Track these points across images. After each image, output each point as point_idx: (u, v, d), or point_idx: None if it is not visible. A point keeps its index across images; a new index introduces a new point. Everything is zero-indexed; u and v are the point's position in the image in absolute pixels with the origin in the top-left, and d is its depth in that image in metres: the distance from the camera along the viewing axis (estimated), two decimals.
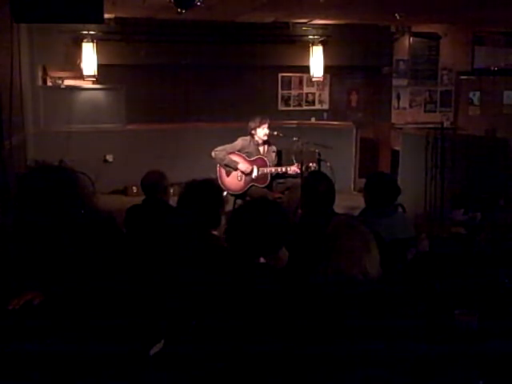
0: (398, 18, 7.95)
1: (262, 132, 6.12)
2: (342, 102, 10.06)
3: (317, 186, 3.72)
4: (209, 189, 3.14)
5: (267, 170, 6.14)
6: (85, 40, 7.93)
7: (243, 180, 6.15)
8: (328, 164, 6.25)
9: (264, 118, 6.14)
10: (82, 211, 2.46)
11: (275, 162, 6.34)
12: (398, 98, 9.77)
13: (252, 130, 6.15)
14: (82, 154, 6.98)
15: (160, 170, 4.34)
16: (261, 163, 6.16)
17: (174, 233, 3.10)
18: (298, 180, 5.92)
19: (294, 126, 8.67)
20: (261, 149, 6.24)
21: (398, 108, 9.80)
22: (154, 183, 4.20)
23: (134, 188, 7.82)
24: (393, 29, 9.35)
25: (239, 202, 6.03)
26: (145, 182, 4.24)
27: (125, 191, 8.04)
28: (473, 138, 7.53)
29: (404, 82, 9.74)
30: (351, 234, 2.19)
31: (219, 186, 3.41)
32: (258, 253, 2.37)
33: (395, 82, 9.72)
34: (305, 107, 9.77)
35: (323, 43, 9.05)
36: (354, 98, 10.09)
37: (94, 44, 7.96)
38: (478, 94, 10.14)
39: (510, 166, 6.36)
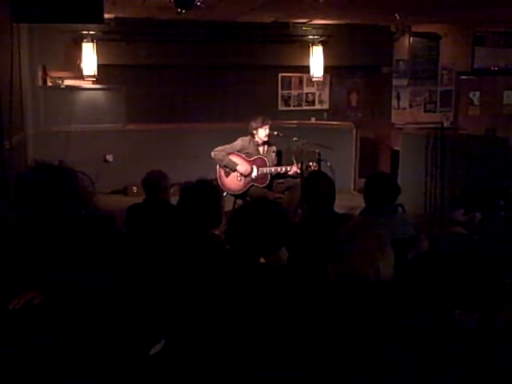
0: (397, 17, 7.95)
1: (263, 133, 6.12)
2: (342, 101, 10.06)
3: (317, 185, 3.71)
4: (204, 188, 3.14)
5: (267, 169, 6.13)
6: (85, 40, 7.93)
7: (243, 180, 6.14)
8: (328, 164, 6.25)
9: (266, 119, 6.14)
10: (82, 211, 2.47)
11: (275, 162, 6.34)
12: (398, 98, 9.78)
13: (253, 129, 6.14)
14: (82, 154, 6.98)
15: (161, 170, 4.39)
16: (260, 163, 6.15)
17: (174, 232, 3.10)
18: (298, 180, 5.92)
19: (294, 125, 8.67)
20: (260, 149, 6.23)
21: (398, 108, 9.81)
22: (154, 182, 4.24)
23: (134, 188, 7.84)
24: (393, 29, 9.33)
25: (239, 202, 6.02)
26: (146, 181, 4.29)
27: (125, 191, 8.05)
28: (473, 137, 7.51)
29: (404, 81, 9.75)
30: (367, 235, 2.20)
31: (214, 184, 3.40)
32: (258, 253, 2.37)
33: (395, 82, 9.73)
34: (305, 107, 9.77)
35: (323, 43, 9.06)
36: (353, 97, 10.09)
37: (94, 44, 7.97)
38: (477, 94, 10.15)
39: (509, 166, 6.36)
